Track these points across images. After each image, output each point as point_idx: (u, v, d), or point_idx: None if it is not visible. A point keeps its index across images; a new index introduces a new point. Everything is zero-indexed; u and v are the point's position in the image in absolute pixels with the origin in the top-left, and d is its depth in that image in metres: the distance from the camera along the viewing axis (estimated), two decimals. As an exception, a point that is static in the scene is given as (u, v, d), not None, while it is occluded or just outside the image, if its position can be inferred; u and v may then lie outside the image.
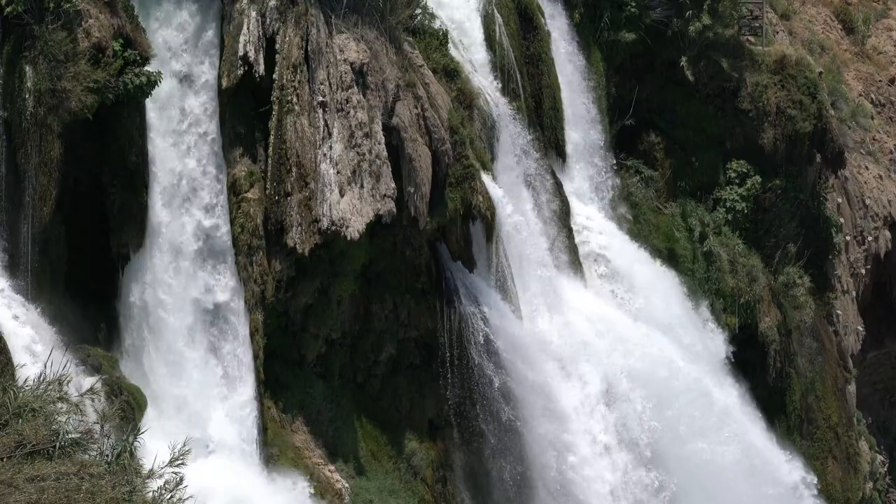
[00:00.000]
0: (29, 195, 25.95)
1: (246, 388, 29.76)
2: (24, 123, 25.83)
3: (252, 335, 29.97)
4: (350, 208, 30.49)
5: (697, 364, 39.77)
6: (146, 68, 27.18)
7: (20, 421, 13.43)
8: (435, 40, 34.50)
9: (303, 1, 30.64)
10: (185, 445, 12.65)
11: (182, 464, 12.78)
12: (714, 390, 39.77)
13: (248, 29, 29.83)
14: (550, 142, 39.63)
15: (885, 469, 51.66)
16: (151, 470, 13.28)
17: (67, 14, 26.11)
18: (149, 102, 27.78)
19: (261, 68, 29.97)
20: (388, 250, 32.80)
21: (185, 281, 29.21)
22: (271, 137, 30.30)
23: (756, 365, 43.66)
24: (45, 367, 15.23)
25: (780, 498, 40.80)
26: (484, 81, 36.44)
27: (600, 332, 37.48)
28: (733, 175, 44.78)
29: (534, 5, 39.44)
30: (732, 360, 42.46)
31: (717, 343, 42.14)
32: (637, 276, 40.44)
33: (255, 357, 29.95)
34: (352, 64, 31.10)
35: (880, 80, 55.65)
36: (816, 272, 46.66)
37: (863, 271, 50.26)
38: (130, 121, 27.36)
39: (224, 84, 29.65)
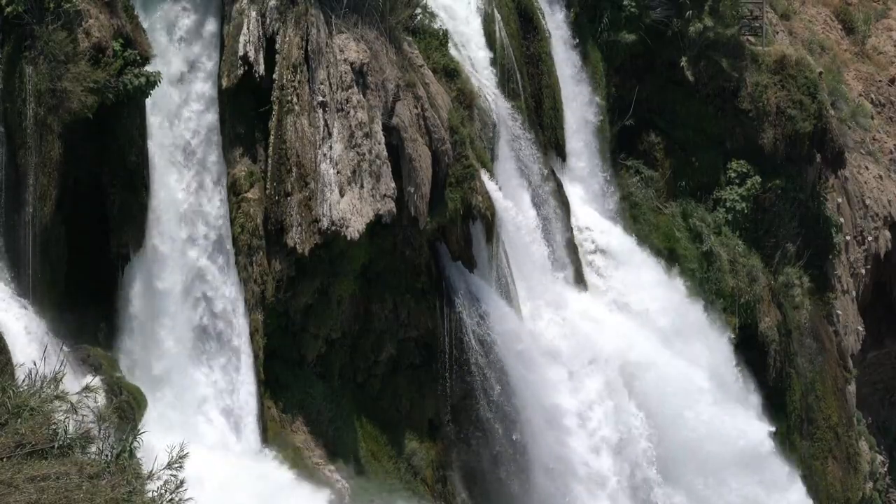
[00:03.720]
0: (29, 195, 25.93)
1: (246, 388, 29.75)
2: (24, 123, 25.82)
3: (252, 335, 29.97)
4: (350, 208, 30.49)
5: (699, 364, 39.76)
6: (146, 68, 27.19)
7: (19, 420, 13.43)
8: (435, 40, 34.48)
9: (303, 1, 30.63)
10: (181, 449, 12.65)
11: (180, 467, 12.78)
12: (714, 391, 39.75)
13: (248, 29, 29.84)
14: (550, 142, 39.62)
15: (885, 469, 51.63)
16: (151, 472, 13.28)
17: (67, 14, 26.09)
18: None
19: (261, 68, 29.98)
20: (388, 250, 32.79)
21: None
22: (271, 137, 30.30)
23: (756, 365, 43.63)
24: (40, 364, 15.21)
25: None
26: (484, 81, 36.43)
27: (599, 331, 37.47)
28: (733, 175, 44.74)
29: (533, 5, 39.42)
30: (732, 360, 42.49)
31: (720, 343, 42.12)
32: (637, 277, 40.42)
33: (255, 357, 29.95)
34: (352, 64, 31.09)
35: (880, 80, 55.61)
36: (816, 272, 46.62)
37: (863, 271, 50.22)
38: (130, 121, 27.35)
39: (224, 84, 29.67)
